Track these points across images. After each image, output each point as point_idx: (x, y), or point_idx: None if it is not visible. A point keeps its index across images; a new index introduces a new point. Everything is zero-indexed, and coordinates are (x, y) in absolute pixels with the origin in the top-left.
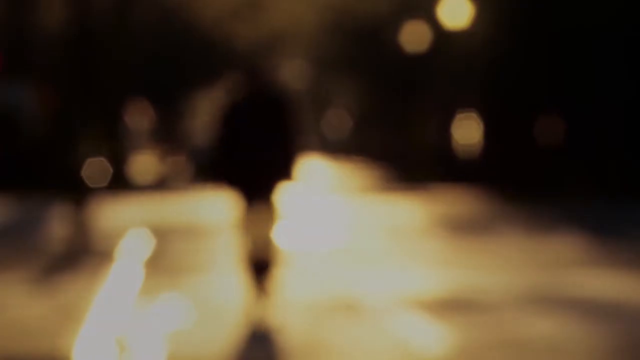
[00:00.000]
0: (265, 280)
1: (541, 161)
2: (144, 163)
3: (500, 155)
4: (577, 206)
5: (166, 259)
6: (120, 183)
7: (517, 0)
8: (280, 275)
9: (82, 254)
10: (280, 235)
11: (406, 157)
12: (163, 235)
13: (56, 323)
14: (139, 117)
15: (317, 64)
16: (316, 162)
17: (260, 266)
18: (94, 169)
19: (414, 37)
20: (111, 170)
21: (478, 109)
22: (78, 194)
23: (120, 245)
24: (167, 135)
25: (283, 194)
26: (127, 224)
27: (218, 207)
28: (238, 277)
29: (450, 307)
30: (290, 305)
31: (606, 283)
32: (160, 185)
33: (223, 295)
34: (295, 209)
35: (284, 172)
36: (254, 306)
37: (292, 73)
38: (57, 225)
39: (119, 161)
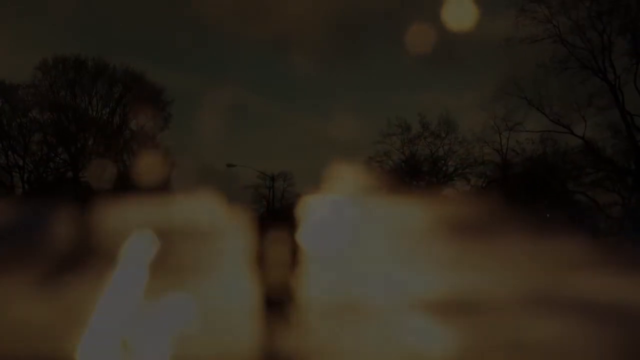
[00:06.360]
0: (285, 310)
1: None
2: (149, 164)
3: None
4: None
5: (171, 261)
6: (125, 184)
7: None
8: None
9: (86, 255)
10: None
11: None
12: (168, 236)
13: (60, 324)
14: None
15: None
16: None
17: (278, 300)
18: (99, 170)
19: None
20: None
21: None
22: (83, 195)
23: (124, 246)
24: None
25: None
26: (132, 225)
27: (224, 209)
28: (248, 282)
29: (455, 308)
30: (295, 307)
31: (612, 285)
32: (166, 186)
33: (230, 298)
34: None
35: None
36: (270, 331)
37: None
38: (61, 226)
39: (124, 162)
